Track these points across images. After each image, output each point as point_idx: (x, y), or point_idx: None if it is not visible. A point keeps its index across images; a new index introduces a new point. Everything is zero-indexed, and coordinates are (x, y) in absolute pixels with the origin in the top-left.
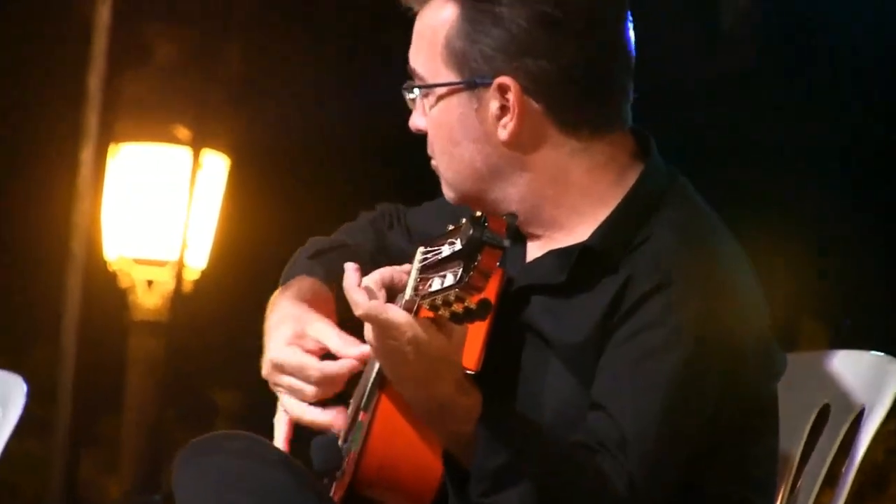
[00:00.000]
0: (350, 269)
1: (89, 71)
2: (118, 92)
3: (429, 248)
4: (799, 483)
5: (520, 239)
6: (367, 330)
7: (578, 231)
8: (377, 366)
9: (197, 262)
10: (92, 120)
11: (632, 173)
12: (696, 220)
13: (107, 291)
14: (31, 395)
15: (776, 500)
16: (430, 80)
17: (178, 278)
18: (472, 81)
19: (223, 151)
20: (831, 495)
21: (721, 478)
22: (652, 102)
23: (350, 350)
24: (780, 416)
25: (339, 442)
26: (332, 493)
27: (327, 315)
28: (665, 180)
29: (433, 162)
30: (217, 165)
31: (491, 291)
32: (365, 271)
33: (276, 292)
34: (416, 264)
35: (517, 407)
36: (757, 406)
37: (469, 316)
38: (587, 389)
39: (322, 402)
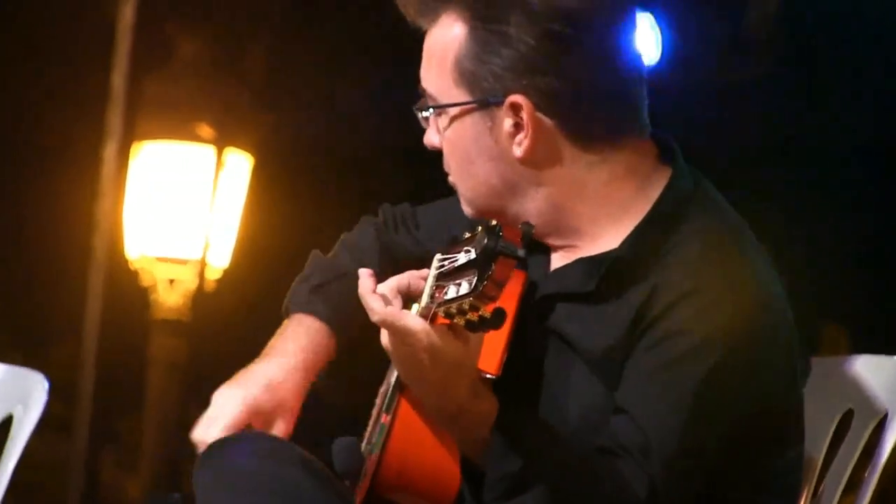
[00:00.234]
0: (364, 274)
1: (113, 69)
2: (142, 90)
3: (445, 256)
4: (821, 488)
5: (542, 247)
6: (384, 335)
7: (603, 240)
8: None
9: (219, 261)
10: (115, 118)
11: (656, 180)
12: (722, 226)
13: (128, 290)
14: (51, 394)
15: None
16: (442, 100)
17: (201, 277)
18: (485, 101)
19: (246, 150)
20: (854, 500)
21: (745, 485)
22: (677, 103)
23: None
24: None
25: (362, 444)
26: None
27: (295, 393)
28: (691, 186)
29: (450, 178)
30: (240, 164)
31: (512, 296)
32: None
33: (277, 333)
34: (433, 271)
35: (539, 412)
36: (783, 413)
37: (483, 325)
38: (611, 395)
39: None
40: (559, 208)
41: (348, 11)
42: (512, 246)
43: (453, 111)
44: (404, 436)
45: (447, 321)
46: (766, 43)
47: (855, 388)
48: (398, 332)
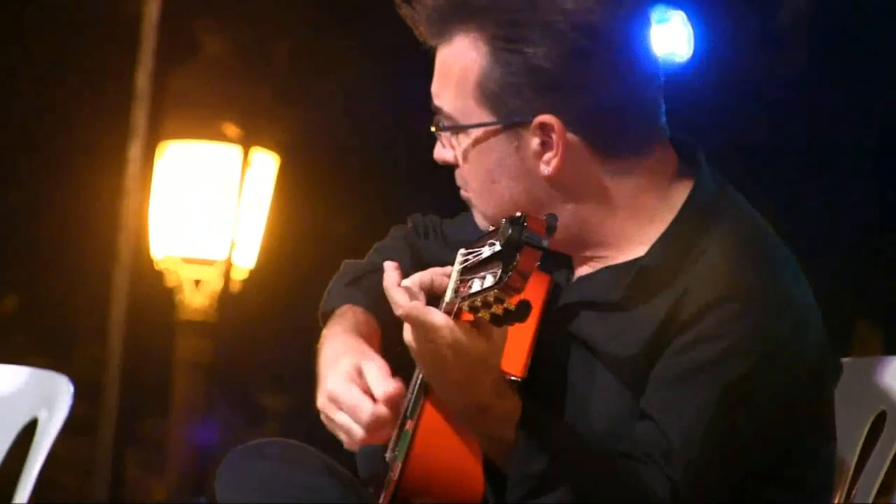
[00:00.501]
0: (390, 267)
1: (138, 68)
2: (167, 89)
3: (469, 250)
4: (854, 491)
5: (564, 255)
6: (407, 331)
7: (629, 249)
8: (421, 374)
9: (245, 261)
10: (140, 117)
11: (680, 187)
12: (749, 231)
13: (154, 291)
14: (76, 395)
15: None
16: (462, 121)
17: (226, 278)
18: (511, 121)
19: (273, 150)
20: (888, 503)
21: (776, 488)
22: (707, 100)
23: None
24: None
25: (387, 452)
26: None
27: (376, 350)
28: (714, 190)
29: (463, 193)
30: (266, 164)
31: (538, 297)
32: None
33: (328, 324)
34: (457, 266)
35: (564, 416)
36: (814, 417)
37: (508, 318)
38: (636, 401)
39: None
40: (585, 221)
41: (374, 10)
42: (536, 236)
43: (476, 132)
44: (429, 442)
45: (472, 316)
46: (799, 39)
47: (888, 390)
48: (422, 328)
